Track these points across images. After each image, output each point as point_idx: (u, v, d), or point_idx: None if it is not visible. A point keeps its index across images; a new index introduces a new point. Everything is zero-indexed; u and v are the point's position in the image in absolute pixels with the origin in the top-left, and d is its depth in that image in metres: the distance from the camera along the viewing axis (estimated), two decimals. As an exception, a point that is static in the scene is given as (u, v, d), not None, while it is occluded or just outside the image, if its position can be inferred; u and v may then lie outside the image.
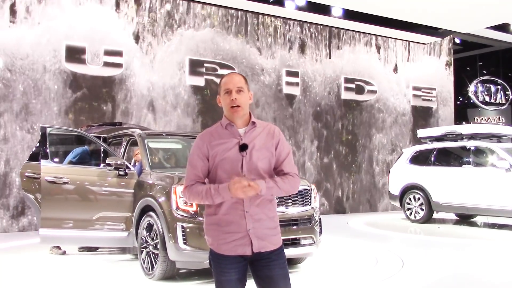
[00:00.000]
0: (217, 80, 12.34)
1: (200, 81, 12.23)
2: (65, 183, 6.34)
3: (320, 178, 13.77)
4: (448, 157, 11.25)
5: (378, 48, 15.34)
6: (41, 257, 7.17)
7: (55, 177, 6.33)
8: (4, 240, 8.87)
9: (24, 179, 7.00)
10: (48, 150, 6.47)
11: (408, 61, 15.95)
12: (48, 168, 6.36)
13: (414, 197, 11.37)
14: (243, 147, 2.63)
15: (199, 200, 2.66)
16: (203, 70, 12.29)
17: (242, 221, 2.62)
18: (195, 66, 12.21)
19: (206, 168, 2.68)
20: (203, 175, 2.68)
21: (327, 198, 13.89)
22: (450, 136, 11.24)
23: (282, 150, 2.73)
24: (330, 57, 14.38)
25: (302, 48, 13.92)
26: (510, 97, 20.89)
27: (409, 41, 15.88)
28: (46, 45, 10.47)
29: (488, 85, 20.74)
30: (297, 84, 13.70)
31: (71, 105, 10.67)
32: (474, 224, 11.46)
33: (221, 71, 12.43)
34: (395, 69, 15.58)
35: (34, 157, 7.05)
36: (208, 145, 2.66)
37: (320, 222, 6.20)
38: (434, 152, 11.33)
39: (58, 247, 7.34)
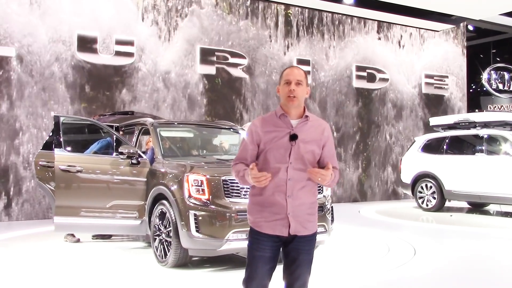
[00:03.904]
0: (228, 69, 12.36)
1: (211, 70, 12.22)
2: (78, 171, 6.40)
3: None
4: (461, 145, 11.17)
5: (390, 35, 15.21)
6: (55, 244, 7.27)
7: (69, 166, 6.39)
8: (18, 228, 8.99)
9: (38, 167, 7.08)
10: (61, 139, 6.52)
11: (420, 48, 15.80)
12: (62, 157, 6.42)
13: (426, 185, 11.33)
14: (293, 137, 2.83)
15: (236, 178, 2.97)
16: (214, 58, 12.28)
17: (283, 204, 2.83)
18: (206, 55, 12.19)
19: (255, 152, 2.90)
20: (249, 157, 2.91)
21: (339, 186, 13.88)
22: (463, 124, 11.16)
23: (331, 147, 3.00)
24: (341, 45, 14.28)
25: (313, 36, 13.84)
26: (524, 84, 20.65)
27: (421, 28, 15.72)
28: (58, 35, 10.51)
29: (501, 72, 20.51)
30: (308, 72, 13.65)
31: (83, 94, 10.73)
32: (486, 213, 11.40)
33: (232, 60, 12.41)
34: (407, 56, 15.45)
35: (48, 146, 7.12)
36: (261, 131, 2.88)
37: (332, 210, 6.21)
38: (447, 140, 11.26)
39: (73, 235, 7.43)
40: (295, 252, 2.86)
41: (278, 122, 2.89)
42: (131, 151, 6.42)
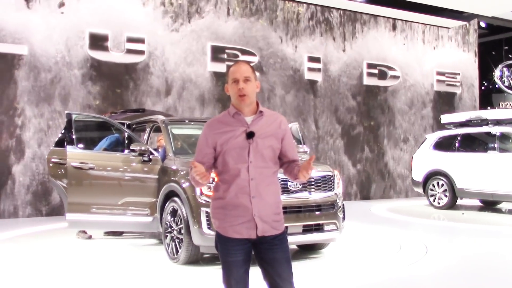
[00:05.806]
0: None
1: (221, 67, 12.22)
2: (90, 168, 6.43)
3: (342, 164, 13.72)
4: (473, 143, 11.09)
5: (401, 32, 15.13)
6: (67, 241, 7.32)
7: (81, 163, 6.42)
8: (32, 224, 9.07)
9: (51, 164, 7.11)
10: (73, 136, 6.56)
11: (432, 45, 15.70)
12: (74, 154, 6.45)
13: (438, 183, 11.26)
14: (250, 135, 2.73)
15: (192, 183, 2.84)
16: (225, 56, 12.29)
17: (248, 206, 2.73)
18: (217, 53, 12.21)
19: (211, 155, 2.80)
20: (206, 161, 2.79)
21: (350, 184, 13.84)
22: (475, 121, 11.07)
23: (290, 140, 2.87)
24: (352, 42, 14.23)
25: (324, 33, 13.79)
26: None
27: (433, 25, 15.61)
28: (70, 32, 10.57)
29: (514, 69, 20.34)
30: (318, 70, 13.61)
31: (95, 92, 10.78)
32: (498, 211, 11.32)
33: (242, 57, 12.40)
34: (419, 53, 15.37)
35: (60, 143, 7.15)
36: (215, 133, 2.78)
37: (343, 208, 6.20)
38: (458, 138, 11.18)
39: (84, 232, 7.48)
40: (270, 252, 2.75)
41: (232, 121, 2.78)
42: (143, 148, 6.44)
